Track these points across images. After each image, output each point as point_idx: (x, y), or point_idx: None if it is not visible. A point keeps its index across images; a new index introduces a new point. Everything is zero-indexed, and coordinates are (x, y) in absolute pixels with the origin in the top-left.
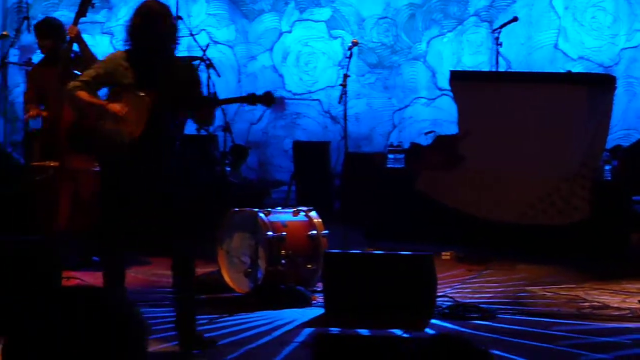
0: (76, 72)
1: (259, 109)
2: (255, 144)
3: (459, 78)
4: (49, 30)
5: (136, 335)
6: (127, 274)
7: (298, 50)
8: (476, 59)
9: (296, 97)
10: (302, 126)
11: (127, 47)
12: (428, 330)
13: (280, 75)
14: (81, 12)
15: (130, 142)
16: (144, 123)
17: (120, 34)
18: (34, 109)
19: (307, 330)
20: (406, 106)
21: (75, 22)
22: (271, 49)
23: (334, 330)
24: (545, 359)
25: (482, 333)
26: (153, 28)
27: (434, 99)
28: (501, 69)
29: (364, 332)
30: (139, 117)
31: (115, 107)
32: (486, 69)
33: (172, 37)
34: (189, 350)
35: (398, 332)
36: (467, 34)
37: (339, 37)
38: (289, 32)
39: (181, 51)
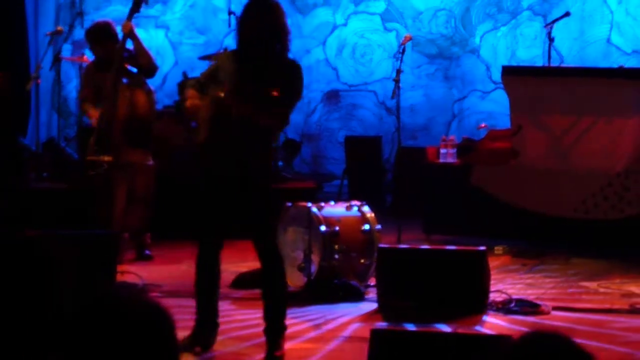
0: (131, 68)
1: (313, 100)
2: (309, 137)
3: (510, 73)
4: (100, 37)
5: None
6: (180, 268)
7: (354, 42)
8: (530, 53)
9: (352, 88)
10: (358, 117)
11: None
12: (482, 324)
13: (334, 69)
14: (135, 8)
15: (200, 142)
16: (209, 123)
17: (176, 28)
18: (93, 111)
19: (361, 325)
20: (464, 97)
21: (130, 17)
22: (325, 42)
23: (388, 325)
24: (599, 355)
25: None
26: (251, 24)
27: (489, 92)
28: (554, 64)
29: (416, 327)
30: (208, 116)
31: (187, 104)
32: (540, 62)
33: (271, 35)
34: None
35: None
36: (521, 27)
37: (394, 29)
38: (344, 25)
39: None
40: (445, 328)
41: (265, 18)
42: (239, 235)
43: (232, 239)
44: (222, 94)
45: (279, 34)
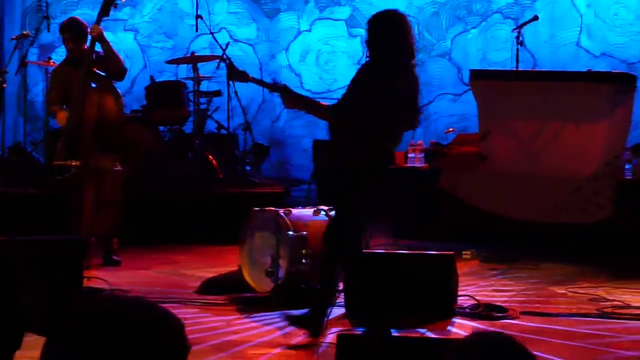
0: (99, 72)
1: (278, 105)
2: (275, 142)
3: (478, 77)
4: (78, 30)
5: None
6: (148, 273)
7: (318, 49)
8: (501, 55)
9: (315, 96)
10: (322, 125)
11: None
12: (450, 330)
13: (298, 75)
14: (104, 12)
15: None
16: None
17: (145, 31)
18: (60, 112)
19: (328, 330)
20: (430, 102)
21: (98, 21)
22: (288, 48)
23: (355, 330)
24: (567, 358)
25: (505, 332)
26: (373, 37)
27: (461, 94)
28: (528, 67)
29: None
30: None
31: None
32: (512, 65)
33: (400, 48)
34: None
35: (420, 331)
36: (492, 30)
37: (359, 35)
38: (309, 30)
39: (203, 49)
40: (415, 332)
41: (395, 31)
42: (205, 241)
43: (199, 244)
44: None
45: (408, 46)
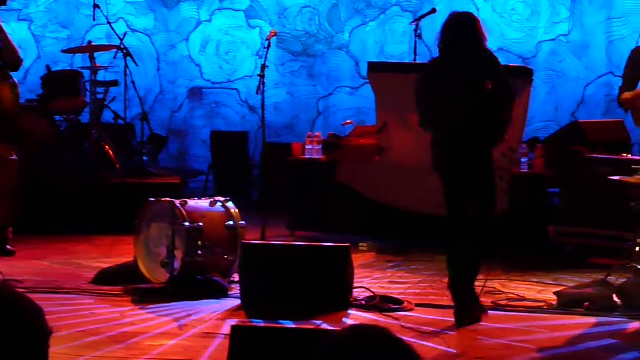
0: None
1: (180, 96)
2: (176, 133)
3: (376, 69)
4: None
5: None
6: (42, 264)
7: (218, 39)
8: (399, 49)
9: (215, 86)
10: (222, 115)
11: None
12: (345, 322)
13: (197, 65)
14: (1, 1)
15: None
16: None
17: (40, 21)
18: None
19: (223, 322)
20: (330, 94)
21: None
22: (189, 38)
23: (250, 321)
24: (460, 349)
25: (398, 324)
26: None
27: (358, 87)
28: (425, 60)
29: (279, 323)
30: None
31: None
32: (409, 58)
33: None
34: (464, 311)
35: (315, 323)
36: (390, 23)
37: (258, 26)
38: (209, 21)
39: (99, 39)
40: (311, 324)
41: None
42: (101, 231)
43: (95, 235)
44: None
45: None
